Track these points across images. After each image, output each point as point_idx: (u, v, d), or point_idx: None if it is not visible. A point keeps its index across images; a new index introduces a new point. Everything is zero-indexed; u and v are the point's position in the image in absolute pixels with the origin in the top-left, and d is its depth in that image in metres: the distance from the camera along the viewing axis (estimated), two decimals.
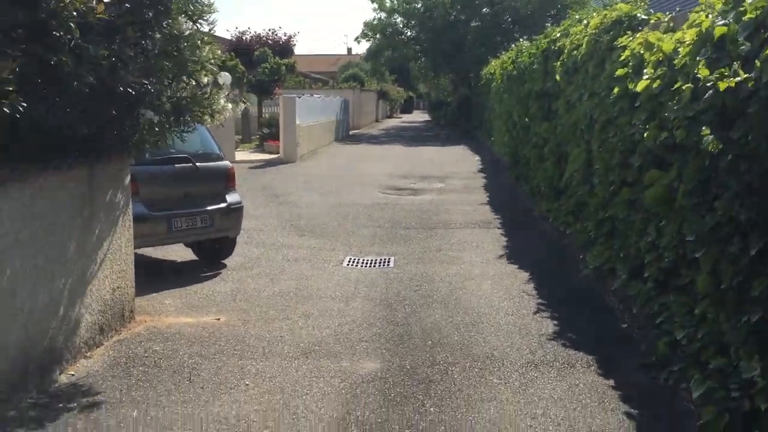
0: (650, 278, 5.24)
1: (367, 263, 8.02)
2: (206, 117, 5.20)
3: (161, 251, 8.05)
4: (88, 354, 4.96)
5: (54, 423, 3.96)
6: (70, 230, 4.68)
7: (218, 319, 5.91)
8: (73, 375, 4.64)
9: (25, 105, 3.63)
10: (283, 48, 31.52)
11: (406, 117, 61.92)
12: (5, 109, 3.51)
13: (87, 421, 4.01)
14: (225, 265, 7.81)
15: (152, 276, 6.80)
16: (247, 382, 4.59)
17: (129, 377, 4.64)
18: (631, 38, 5.94)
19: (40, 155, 4.30)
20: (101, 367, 4.79)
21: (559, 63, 9.01)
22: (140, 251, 6.76)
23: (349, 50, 67.62)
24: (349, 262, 8.08)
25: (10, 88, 3.50)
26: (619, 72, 5.81)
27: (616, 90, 5.94)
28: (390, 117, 58.82)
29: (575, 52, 8.04)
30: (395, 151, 24.68)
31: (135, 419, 4.03)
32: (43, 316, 4.40)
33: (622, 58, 5.88)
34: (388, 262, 8.07)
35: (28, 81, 3.78)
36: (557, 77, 9.02)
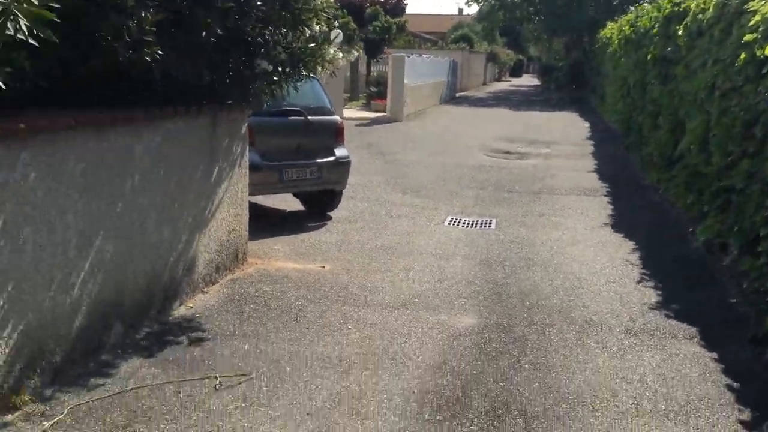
0: (764, 253, 5.04)
1: (468, 224, 8.08)
2: (318, 67, 5.34)
3: (271, 200, 8.42)
4: (205, 290, 5.34)
5: (173, 350, 4.32)
6: (192, 172, 5.01)
7: (323, 266, 6.18)
8: (191, 308, 5.02)
9: (161, 53, 3.90)
10: (394, 7, 31.49)
11: (515, 80, 60.61)
12: (146, 58, 3.79)
13: (203, 349, 4.35)
14: (330, 218, 8.08)
15: (263, 223, 7.15)
16: (349, 327, 4.82)
17: (241, 313, 4.97)
18: (763, 2, 5.62)
19: (170, 101, 4.61)
20: (216, 303, 5.15)
21: (682, 27, 8.61)
22: (252, 199, 7.10)
23: (460, 11, 66.76)
24: (451, 221, 8.17)
25: (150, 39, 3.77)
26: (748, 37, 5.52)
27: (742, 56, 5.66)
28: (498, 80, 57.72)
29: (701, 15, 7.66)
30: (502, 115, 24.34)
31: (246, 351, 4.34)
32: (166, 251, 4.77)
33: (752, 23, 5.57)
34: (490, 223, 8.11)
35: (163, 30, 4.05)
36: (679, 42, 8.63)
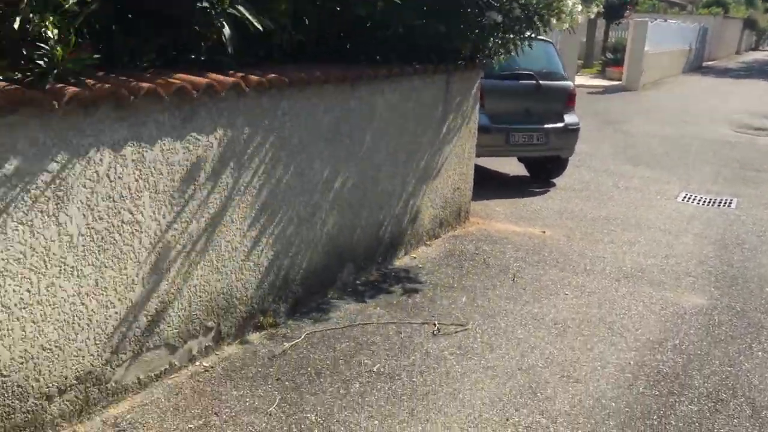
0: None
1: (704, 201, 7.54)
2: (553, 19, 5.21)
3: (495, 163, 8.49)
4: (428, 243, 5.60)
5: (396, 295, 4.62)
6: (424, 129, 5.24)
7: (543, 232, 6.16)
8: (414, 258, 5.31)
9: (401, 12, 4.12)
10: None
11: None
12: (387, 18, 4.02)
13: (424, 297, 4.60)
14: (554, 185, 7.98)
15: (486, 184, 7.27)
16: (566, 292, 4.80)
17: (460, 268, 5.15)
18: None
19: (408, 60, 4.85)
20: (437, 256, 5.39)
21: None
22: (477, 160, 7.23)
23: None
24: (685, 197, 7.67)
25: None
26: None
27: None
28: (755, 49, 51.81)
29: None
30: (756, 88, 21.96)
31: (464, 303, 4.52)
32: (395, 202, 5.07)
33: None
34: (730, 203, 7.49)
35: None
36: None
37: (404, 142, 5.00)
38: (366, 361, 3.70)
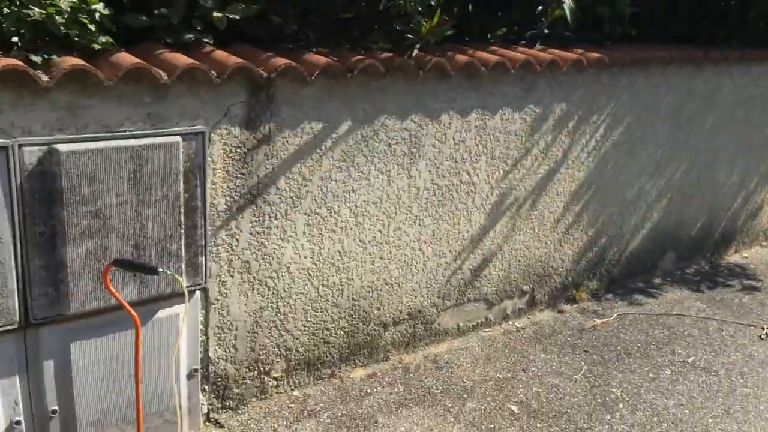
0: None
1: None
2: None
3: None
4: (765, 244, 5.13)
5: (720, 292, 4.33)
6: None
7: None
8: (746, 257, 4.91)
9: None
10: None
11: None
12: None
13: (753, 299, 4.25)
14: None
15: None
16: None
17: None
18: None
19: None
20: None
21: None
22: None
23: None
24: None
25: None
26: None
27: None
28: None
29: None
30: None
31: None
32: (731, 195, 4.72)
33: None
34: None
35: None
36: None
37: (750, 130, 4.62)
38: (680, 351, 3.58)
